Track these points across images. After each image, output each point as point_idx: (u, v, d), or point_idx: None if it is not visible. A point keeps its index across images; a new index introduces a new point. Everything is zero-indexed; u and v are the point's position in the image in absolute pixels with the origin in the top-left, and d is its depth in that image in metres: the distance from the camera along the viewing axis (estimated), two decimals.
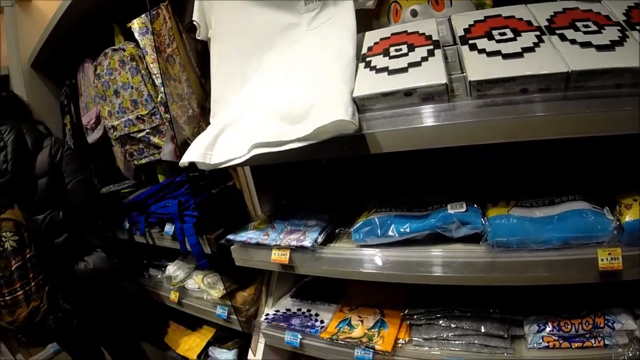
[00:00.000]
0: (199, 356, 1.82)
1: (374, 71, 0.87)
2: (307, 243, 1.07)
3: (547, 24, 0.80)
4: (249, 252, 1.20)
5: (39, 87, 2.42)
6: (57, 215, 1.51)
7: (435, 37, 0.88)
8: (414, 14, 0.98)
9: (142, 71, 1.65)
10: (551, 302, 0.98)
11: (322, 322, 1.27)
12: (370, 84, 0.84)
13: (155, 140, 1.69)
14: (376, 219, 1.00)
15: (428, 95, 0.78)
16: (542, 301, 0.99)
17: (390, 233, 0.96)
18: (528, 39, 0.77)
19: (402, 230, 0.95)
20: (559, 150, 1.01)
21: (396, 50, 0.88)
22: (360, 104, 0.84)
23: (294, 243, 1.09)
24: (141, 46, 1.37)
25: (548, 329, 0.94)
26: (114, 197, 2.05)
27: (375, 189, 1.28)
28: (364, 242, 1.01)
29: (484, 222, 0.88)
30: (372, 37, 0.98)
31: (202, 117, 1.30)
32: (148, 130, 1.69)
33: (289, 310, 1.38)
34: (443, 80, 0.76)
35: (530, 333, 0.96)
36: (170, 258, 1.88)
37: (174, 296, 1.74)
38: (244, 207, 1.37)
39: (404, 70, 0.82)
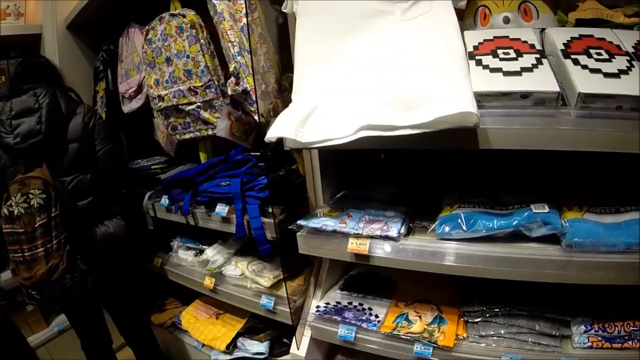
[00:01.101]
0: (227, 347, 1.72)
1: (487, 70, 0.89)
2: (393, 233, 1.04)
3: (633, 50, 0.88)
4: (319, 240, 1.14)
5: (72, 50, 2.29)
6: (84, 179, 1.53)
7: (538, 47, 0.92)
8: (507, 21, 1.02)
9: (202, 40, 1.55)
10: (598, 303, 1.04)
11: (376, 316, 1.23)
12: (488, 81, 0.87)
13: (205, 115, 1.60)
14: (462, 214, 1.00)
15: (540, 100, 0.84)
16: (589, 302, 1.05)
17: (477, 228, 0.97)
18: (621, 62, 0.84)
19: (489, 225, 0.96)
20: (619, 162, 1.03)
21: (504, 54, 0.92)
22: (477, 100, 0.85)
23: (378, 232, 1.05)
24: (218, 10, 1.26)
25: (594, 329, 0.99)
26: (142, 173, 1.96)
27: (438, 184, 1.27)
28: (448, 236, 1.00)
29: (563, 223, 0.93)
30: (473, 37, 0.99)
31: (278, 94, 1.21)
32: (199, 104, 1.60)
33: (339, 303, 1.32)
34: (556, 88, 0.82)
35: (577, 333, 1.01)
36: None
37: (209, 282, 1.64)
38: (304, 193, 1.28)
39: (518, 73, 0.87)
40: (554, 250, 0.92)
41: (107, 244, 1.55)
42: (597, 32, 0.92)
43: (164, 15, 1.62)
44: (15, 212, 1.34)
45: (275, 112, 1.25)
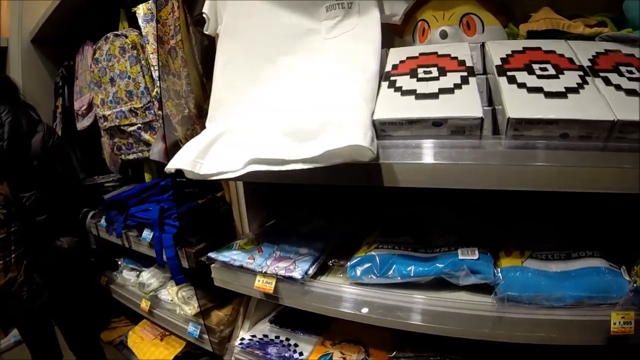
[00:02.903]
0: None
1: (399, 92, 0.78)
2: (297, 275, 0.96)
3: (589, 64, 0.73)
4: (230, 274, 1.09)
5: (36, 64, 2.33)
6: (42, 196, 1.55)
7: (469, 63, 0.80)
8: (444, 35, 0.92)
9: (142, 62, 1.55)
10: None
11: (300, 354, 1.17)
12: (394, 107, 0.75)
13: (146, 136, 1.59)
14: (377, 257, 0.91)
15: (459, 128, 0.70)
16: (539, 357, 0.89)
17: (391, 274, 0.87)
18: (571, 78, 0.69)
19: (405, 272, 0.85)
20: (577, 199, 0.92)
21: (425, 73, 0.80)
22: (380, 129, 0.75)
23: (282, 272, 0.98)
24: (143, 34, 1.26)
25: None
26: (96, 190, 1.95)
27: (376, 218, 1.18)
28: (359, 280, 0.91)
29: (496, 272, 0.79)
30: (397, 54, 0.90)
31: (197, 120, 1.20)
32: (140, 125, 1.59)
33: (266, 336, 1.27)
34: (479, 113, 0.68)
35: None
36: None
37: (145, 304, 1.62)
38: (230, 221, 1.26)
39: (434, 96, 0.74)
40: (484, 304, 0.77)
41: (61, 259, 1.60)
42: (546, 45, 0.79)
43: (109, 35, 1.63)
44: None
45: None
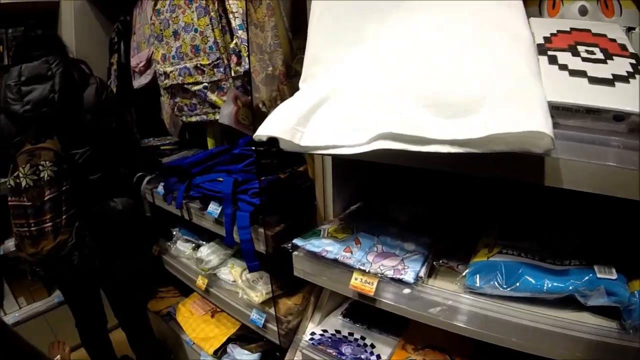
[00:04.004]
0: (216, 352, 1.58)
1: (565, 72, 0.64)
2: (409, 278, 0.80)
3: None
4: (318, 267, 0.93)
5: (89, 20, 2.17)
6: (95, 153, 1.45)
7: (630, 49, 0.67)
8: (584, 12, 0.80)
9: (212, 13, 1.36)
10: None
11: (378, 357, 1.03)
12: (566, 89, 0.61)
13: (212, 97, 1.42)
14: (502, 265, 0.76)
15: (637, 126, 0.58)
16: None
17: (519, 286, 0.73)
18: (621, 65, 0.62)
19: (537, 286, 0.71)
20: None
21: (587, 52, 0.67)
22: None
23: (390, 273, 0.82)
24: None
25: None
26: (152, 153, 1.82)
27: (480, 209, 1.01)
28: (479, 290, 0.76)
29: (631, 296, 0.67)
30: (542, 25, 0.76)
31: (285, 79, 1.01)
32: (206, 84, 1.42)
33: (338, 332, 1.13)
34: None
35: None
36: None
37: (201, 282, 1.50)
38: (312, 200, 1.08)
39: (609, 82, 0.61)
40: (612, 330, 0.66)
41: (115, 222, 1.51)
42: (597, 27, 0.72)
43: None
44: (23, 184, 1.27)
45: (282, 101, 1.05)
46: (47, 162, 1.29)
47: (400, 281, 0.80)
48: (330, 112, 0.75)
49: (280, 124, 0.73)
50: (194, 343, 1.74)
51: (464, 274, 0.79)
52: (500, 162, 0.62)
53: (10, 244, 2.18)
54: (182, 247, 1.68)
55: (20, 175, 1.28)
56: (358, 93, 0.75)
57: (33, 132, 1.32)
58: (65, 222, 1.32)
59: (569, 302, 0.70)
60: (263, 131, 0.74)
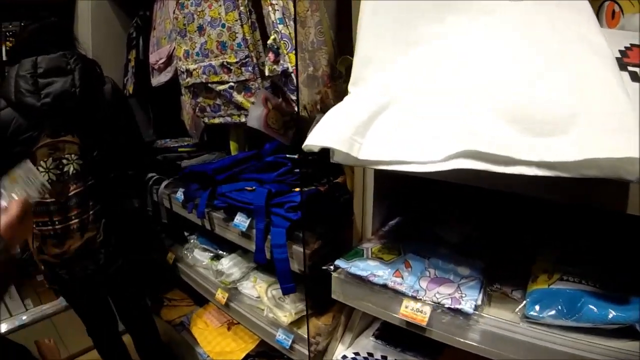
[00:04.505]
0: None
1: None
2: (468, 308, 0.71)
3: None
4: (361, 290, 0.83)
5: (107, 15, 2.09)
6: (110, 152, 1.39)
7: None
8: None
9: (241, 8, 1.26)
10: None
11: None
12: None
13: (238, 98, 1.32)
14: (564, 292, 0.70)
15: None
16: None
17: (581, 316, 0.66)
18: None
19: (600, 317, 0.65)
20: None
21: None
22: None
23: (448, 303, 0.72)
24: None
25: None
26: (168, 155, 1.73)
27: (531, 228, 0.94)
28: (539, 320, 0.69)
29: None
30: (611, 37, 0.67)
31: (329, 80, 0.90)
32: (232, 84, 1.31)
33: (371, 355, 1.05)
34: None
35: None
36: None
37: (221, 296, 1.40)
38: (349, 214, 0.98)
39: None
40: None
41: (135, 220, 1.49)
42: None
43: None
44: (45, 179, 1.20)
45: (324, 106, 0.95)
46: (73, 155, 1.24)
47: (458, 311, 0.71)
48: (394, 121, 0.65)
49: (336, 134, 0.64)
50: (208, 357, 1.65)
51: (523, 303, 0.72)
52: (581, 187, 0.58)
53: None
54: (199, 256, 1.58)
55: (41, 169, 1.20)
56: (423, 101, 0.65)
57: (51, 126, 1.24)
58: (92, 217, 1.27)
59: (623, 331, 0.65)
60: (315, 141, 0.65)
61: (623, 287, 0.69)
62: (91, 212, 1.27)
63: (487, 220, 1.01)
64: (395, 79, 0.69)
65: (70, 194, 1.24)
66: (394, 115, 0.65)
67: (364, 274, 0.80)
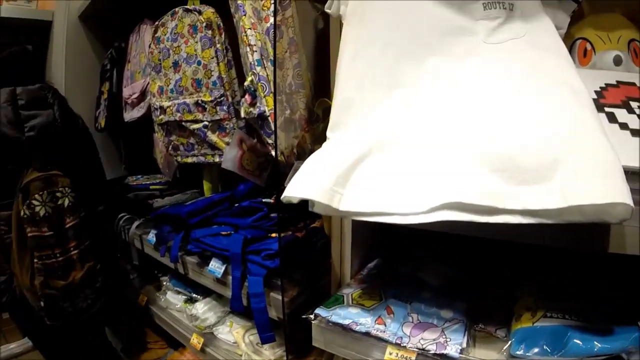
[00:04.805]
0: None
1: (627, 132, 0.59)
2: (453, 352, 0.69)
3: None
4: (342, 338, 0.80)
5: (82, 43, 2.07)
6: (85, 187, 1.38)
7: None
8: (618, 62, 0.77)
9: (218, 45, 1.25)
10: None
11: None
12: (634, 151, 0.56)
13: (213, 137, 1.29)
14: (548, 329, 0.69)
15: None
16: None
17: (569, 350, 0.65)
18: None
19: (587, 349, 0.64)
20: None
21: None
22: None
23: (433, 348, 0.70)
24: (239, 2, 0.94)
25: None
26: (140, 193, 1.67)
27: (508, 265, 0.95)
28: (527, 359, 0.67)
29: None
30: (587, 77, 0.68)
31: (307, 124, 0.89)
32: (207, 123, 1.29)
33: None
34: None
35: None
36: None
37: (196, 341, 1.32)
38: (327, 259, 0.95)
39: None
40: None
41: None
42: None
43: (177, 9, 1.33)
44: (41, 212, 1.19)
45: (301, 150, 0.93)
46: (67, 189, 1.25)
47: (444, 356, 0.69)
48: (375, 170, 0.63)
49: (316, 185, 0.62)
50: None
51: (509, 343, 0.70)
52: (561, 231, 0.55)
53: None
54: (172, 299, 1.50)
55: (36, 203, 1.19)
56: (405, 148, 0.64)
57: (38, 160, 1.24)
58: (89, 248, 1.29)
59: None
60: (294, 192, 0.62)
61: (607, 317, 0.68)
62: (86, 243, 1.29)
63: (466, 260, 1.00)
64: (376, 124, 0.68)
65: (66, 227, 1.24)
66: (375, 163, 0.64)
67: (345, 322, 0.77)
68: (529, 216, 0.52)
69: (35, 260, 1.21)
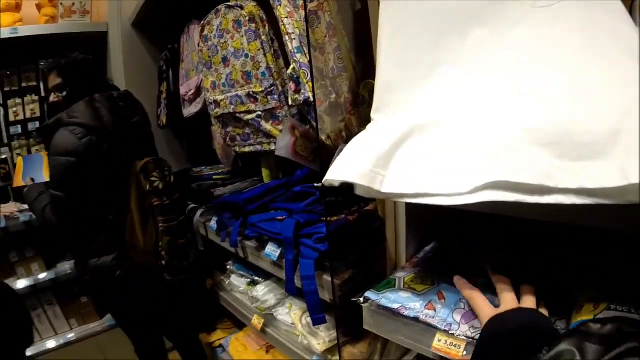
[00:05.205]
0: None
1: None
2: None
3: None
4: (392, 322, 0.79)
5: (137, 49, 2.21)
6: None
7: None
8: None
9: (263, 37, 1.28)
10: None
11: None
12: None
13: (266, 126, 1.33)
14: None
15: None
16: None
17: None
18: None
19: None
20: None
21: None
22: None
23: None
24: None
25: None
26: (203, 183, 1.77)
27: (570, 252, 0.85)
28: None
29: None
30: None
31: (352, 107, 0.89)
32: (260, 113, 1.33)
33: None
34: None
35: None
36: None
37: (257, 321, 1.41)
38: (381, 242, 0.95)
39: None
40: None
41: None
42: None
43: (220, 7, 1.37)
44: (160, 186, 1.46)
45: (348, 133, 0.94)
46: (168, 170, 1.52)
47: None
48: (417, 151, 0.61)
49: (356, 167, 0.61)
50: None
51: None
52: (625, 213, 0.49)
53: (66, 266, 2.25)
54: (236, 281, 1.60)
55: (154, 179, 1.45)
56: (449, 126, 0.61)
57: (137, 150, 1.52)
58: (184, 221, 1.57)
59: None
60: (335, 175, 0.63)
61: None
62: (182, 217, 1.56)
63: (525, 245, 0.94)
64: (419, 104, 0.66)
65: (174, 198, 1.51)
66: (418, 143, 0.62)
67: (394, 306, 0.76)
68: (584, 196, 0.46)
69: (161, 225, 1.47)
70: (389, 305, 0.78)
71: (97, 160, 1.39)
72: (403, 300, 0.78)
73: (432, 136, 0.62)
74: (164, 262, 1.48)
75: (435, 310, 0.75)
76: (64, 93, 1.47)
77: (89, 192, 1.41)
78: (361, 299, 0.81)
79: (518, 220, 0.80)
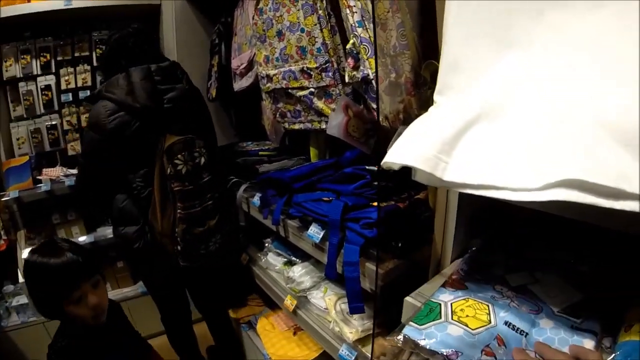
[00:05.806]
0: None
1: None
2: None
3: None
4: None
5: (190, 22, 2.20)
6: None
7: None
8: None
9: (320, 11, 1.23)
10: None
11: None
12: None
13: (319, 104, 1.29)
14: None
15: None
16: None
17: None
18: None
19: None
20: None
21: None
22: None
23: None
24: None
25: None
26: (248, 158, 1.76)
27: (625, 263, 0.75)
28: None
29: None
30: None
31: (413, 88, 0.83)
32: (312, 90, 1.29)
33: None
34: None
35: None
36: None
37: (289, 302, 1.39)
38: (429, 233, 0.90)
39: None
40: None
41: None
42: None
43: None
44: (183, 170, 1.38)
45: (407, 115, 0.88)
46: (202, 149, 1.42)
47: None
48: (484, 139, 0.56)
49: (419, 151, 0.57)
50: (270, 359, 1.68)
51: (612, 356, 0.57)
52: None
53: (107, 231, 2.33)
54: (272, 260, 1.59)
55: (178, 162, 1.37)
56: (518, 114, 0.55)
57: (174, 127, 1.42)
58: (219, 200, 1.48)
59: None
60: (396, 158, 0.58)
61: None
62: (217, 196, 1.47)
63: (575, 248, 0.83)
64: (487, 87, 0.60)
65: (202, 182, 1.42)
66: (486, 131, 0.56)
67: (444, 351, 0.60)
68: None
69: (179, 211, 1.40)
70: (436, 349, 0.61)
71: (125, 136, 1.39)
72: (454, 342, 0.62)
73: (501, 124, 0.56)
74: (179, 248, 1.45)
75: (495, 358, 0.61)
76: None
77: (115, 164, 1.44)
78: (400, 338, 0.65)
79: (564, 220, 0.72)
